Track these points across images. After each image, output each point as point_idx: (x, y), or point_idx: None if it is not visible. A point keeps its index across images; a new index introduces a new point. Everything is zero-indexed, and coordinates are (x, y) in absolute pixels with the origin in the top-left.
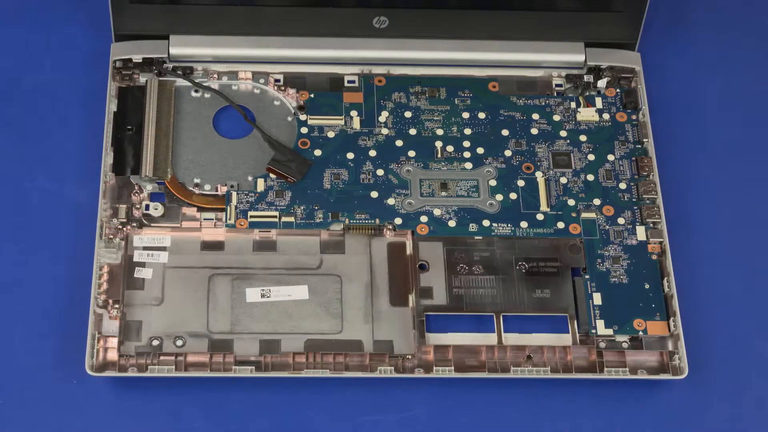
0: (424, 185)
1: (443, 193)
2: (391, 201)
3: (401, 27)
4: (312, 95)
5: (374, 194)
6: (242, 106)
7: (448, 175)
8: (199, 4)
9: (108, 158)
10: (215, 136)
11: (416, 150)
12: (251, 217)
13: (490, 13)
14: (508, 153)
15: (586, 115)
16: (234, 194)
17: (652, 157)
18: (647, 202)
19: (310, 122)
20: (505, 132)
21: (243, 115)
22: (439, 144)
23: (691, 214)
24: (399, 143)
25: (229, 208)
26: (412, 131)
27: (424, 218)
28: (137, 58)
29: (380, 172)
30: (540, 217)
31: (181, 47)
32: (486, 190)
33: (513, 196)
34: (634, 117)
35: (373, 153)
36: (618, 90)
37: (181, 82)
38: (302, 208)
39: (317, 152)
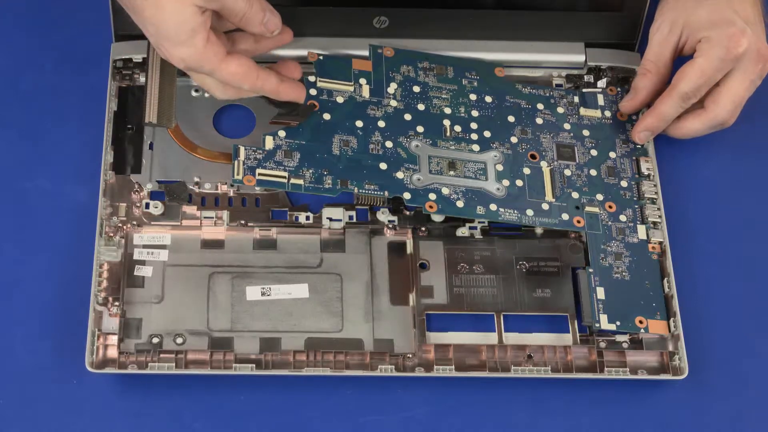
0: (432, 162)
1: (451, 173)
2: (400, 175)
3: (401, 27)
4: (321, 57)
5: (383, 166)
6: (238, 107)
7: (456, 154)
8: None
9: (108, 157)
10: (215, 136)
11: (424, 126)
12: (259, 174)
13: (490, 13)
14: (514, 139)
15: (589, 111)
16: (242, 149)
17: (652, 157)
18: (648, 201)
19: (319, 84)
20: (511, 118)
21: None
22: (447, 122)
23: (691, 214)
24: (407, 117)
25: (236, 163)
26: (421, 106)
27: (432, 196)
28: (137, 58)
29: (389, 144)
30: (545, 206)
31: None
32: (493, 174)
33: (519, 183)
34: (634, 117)
35: (381, 124)
36: (619, 89)
37: (181, 81)
38: (311, 171)
39: (326, 116)
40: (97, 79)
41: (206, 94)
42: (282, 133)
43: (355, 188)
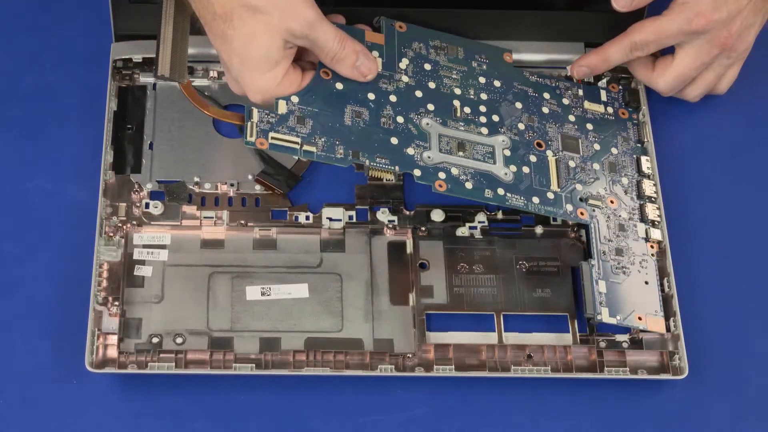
0: (442, 142)
1: (460, 153)
2: (410, 151)
3: None
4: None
5: (394, 140)
6: (239, 107)
7: (465, 135)
8: None
9: (108, 157)
10: (215, 136)
11: (435, 104)
12: (272, 138)
13: (491, 13)
14: (521, 126)
15: (593, 105)
16: (255, 111)
17: (652, 156)
18: (648, 201)
19: None
20: (518, 105)
21: (238, 127)
22: (457, 103)
23: (691, 214)
24: (418, 94)
25: (249, 124)
26: (431, 84)
27: (442, 175)
28: (137, 58)
29: (400, 119)
30: (550, 195)
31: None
32: (501, 159)
33: (525, 169)
34: (635, 116)
35: (393, 98)
36: (620, 87)
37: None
38: (323, 139)
39: (339, 85)
40: (97, 79)
41: (206, 93)
42: (295, 99)
43: (367, 160)
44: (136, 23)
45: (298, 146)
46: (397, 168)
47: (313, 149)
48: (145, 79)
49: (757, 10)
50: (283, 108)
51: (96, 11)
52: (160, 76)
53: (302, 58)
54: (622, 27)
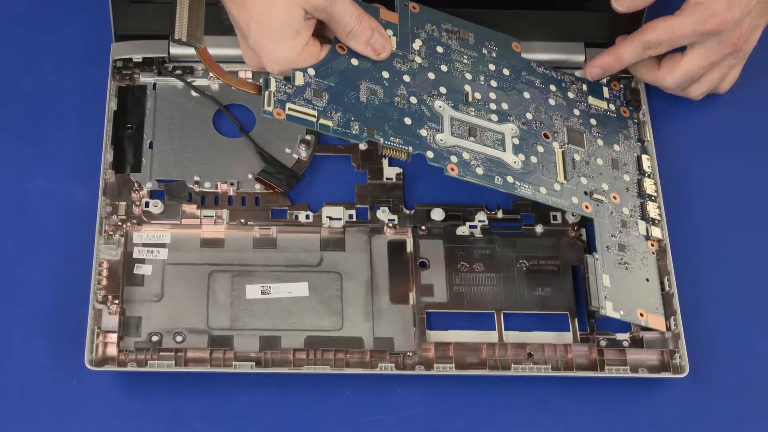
0: (454, 125)
1: (471, 138)
2: (423, 132)
3: None
4: None
5: (408, 120)
6: (239, 106)
7: (475, 121)
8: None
9: (108, 156)
10: (215, 135)
11: (447, 87)
12: (289, 109)
13: (491, 12)
14: (529, 116)
15: (596, 101)
16: (272, 80)
17: (652, 156)
18: (648, 199)
19: None
20: (526, 95)
21: (238, 126)
22: (468, 88)
23: (691, 212)
24: (431, 76)
25: (267, 93)
26: (444, 68)
27: (453, 158)
28: (137, 58)
29: (413, 99)
30: (557, 187)
31: (181, 47)
32: (510, 147)
33: (533, 159)
34: (635, 115)
35: (407, 78)
36: (622, 85)
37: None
38: (339, 114)
39: (354, 61)
40: (97, 79)
41: (206, 92)
42: (311, 72)
43: (381, 139)
44: (136, 23)
45: (314, 119)
46: (410, 149)
47: (329, 123)
48: (145, 78)
49: (764, 11)
50: (299, 79)
51: (96, 11)
52: (177, 40)
53: (319, 33)
54: (622, 27)
